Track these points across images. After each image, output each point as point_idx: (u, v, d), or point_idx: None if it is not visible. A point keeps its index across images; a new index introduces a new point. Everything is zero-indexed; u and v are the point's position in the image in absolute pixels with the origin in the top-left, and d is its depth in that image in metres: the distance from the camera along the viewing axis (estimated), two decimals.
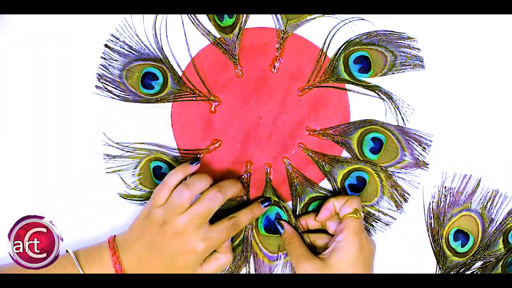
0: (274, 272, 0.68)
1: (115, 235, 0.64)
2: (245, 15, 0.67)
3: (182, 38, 0.68)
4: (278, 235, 0.68)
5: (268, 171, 0.68)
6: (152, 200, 0.63)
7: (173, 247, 0.61)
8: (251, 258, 0.68)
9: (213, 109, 0.68)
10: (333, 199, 0.64)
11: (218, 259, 0.64)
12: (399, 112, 0.67)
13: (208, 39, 0.68)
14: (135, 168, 0.68)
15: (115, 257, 0.62)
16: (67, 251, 0.63)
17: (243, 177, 0.68)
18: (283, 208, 0.68)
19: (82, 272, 0.61)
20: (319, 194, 0.68)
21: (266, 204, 0.66)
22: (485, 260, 0.68)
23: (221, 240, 0.63)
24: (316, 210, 0.67)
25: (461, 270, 0.68)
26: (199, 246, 0.61)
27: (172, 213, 0.61)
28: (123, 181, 0.68)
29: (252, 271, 0.68)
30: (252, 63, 0.68)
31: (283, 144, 0.68)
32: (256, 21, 0.68)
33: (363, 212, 0.68)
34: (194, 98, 0.68)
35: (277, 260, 0.68)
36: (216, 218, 0.64)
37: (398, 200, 0.68)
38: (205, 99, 0.68)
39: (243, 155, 0.68)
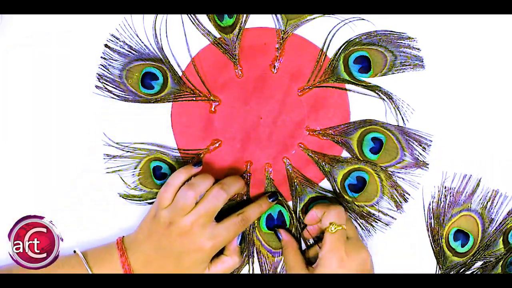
0: (279, 268, 0.68)
1: (123, 236, 0.65)
2: (245, 15, 0.67)
3: (182, 38, 0.68)
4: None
5: (269, 171, 0.68)
6: (157, 201, 0.63)
7: (180, 247, 0.62)
8: (255, 254, 0.68)
9: (213, 109, 0.68)
10: (314, 208, 0.64)
11: (225, 262, 0.65)
12: (399, 112, 0.67)
13: (208, 39, 0.68)
14: (135, 168, 0.68)
15: (123, 258, 0.62)
16: (75, 251, 0.63)
17: (243, 176, 0.68)
18: (285, 207, 0.68)
19: (90, 272, 0.61)
20: (319, 194, 0.68)
21: (273, 198, 0.67)
22: (485, 260, 0.68)
23: (228, 237, 0.63)
24: None
25: (461, 270, 0.68)
26: (206, 244, 0.62)
27: (178, 213, 0.62)
28: (123, 181, 0.68)
29: (257, 267, 0.68)
30: (252, 63, 0.68)
31: (283, 144, 0.68)
32: (256, 21, 0.68)
33: (363, 212, 0.68)
34: (194, 98, 0.68)
35: (280, 255, 0.68)
36: (220, 218, 0.64)
37: (398, 200, 0.68)
38: (205, 99, 0.68)
39: (243, 155, 0.68)
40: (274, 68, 0.68)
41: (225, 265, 0.64)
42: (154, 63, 0.68)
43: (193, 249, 0.62)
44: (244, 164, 0.69)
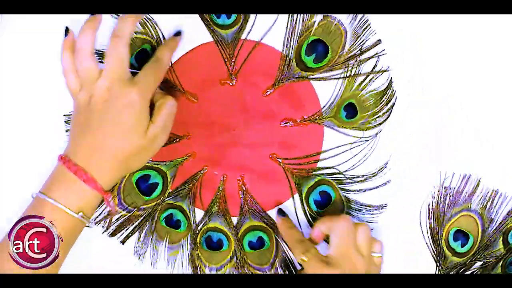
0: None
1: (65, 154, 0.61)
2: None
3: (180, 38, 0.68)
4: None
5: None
6: (70, 93, 0.62)
7: (112, 111, 0.59)
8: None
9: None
10: (319, 223, 0.64)
11: (162, 104, 0.61)
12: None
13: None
14: None
15: (74, 166, 0.59)
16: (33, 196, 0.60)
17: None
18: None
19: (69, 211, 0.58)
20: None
21: (176, 32, 0.66)
22: (485, 260, 0.68)
23: (150, 81, 0.60)
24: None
25: (461, 270, 0.68)
26: (132, 94, 0.59)
27: (90, 85, 0.59)
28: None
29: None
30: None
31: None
32: (255, 21, 0.68)
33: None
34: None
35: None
36: None
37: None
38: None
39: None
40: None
41: (167, 108, 0.61)
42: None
43: (123, 105, 0.59)
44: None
